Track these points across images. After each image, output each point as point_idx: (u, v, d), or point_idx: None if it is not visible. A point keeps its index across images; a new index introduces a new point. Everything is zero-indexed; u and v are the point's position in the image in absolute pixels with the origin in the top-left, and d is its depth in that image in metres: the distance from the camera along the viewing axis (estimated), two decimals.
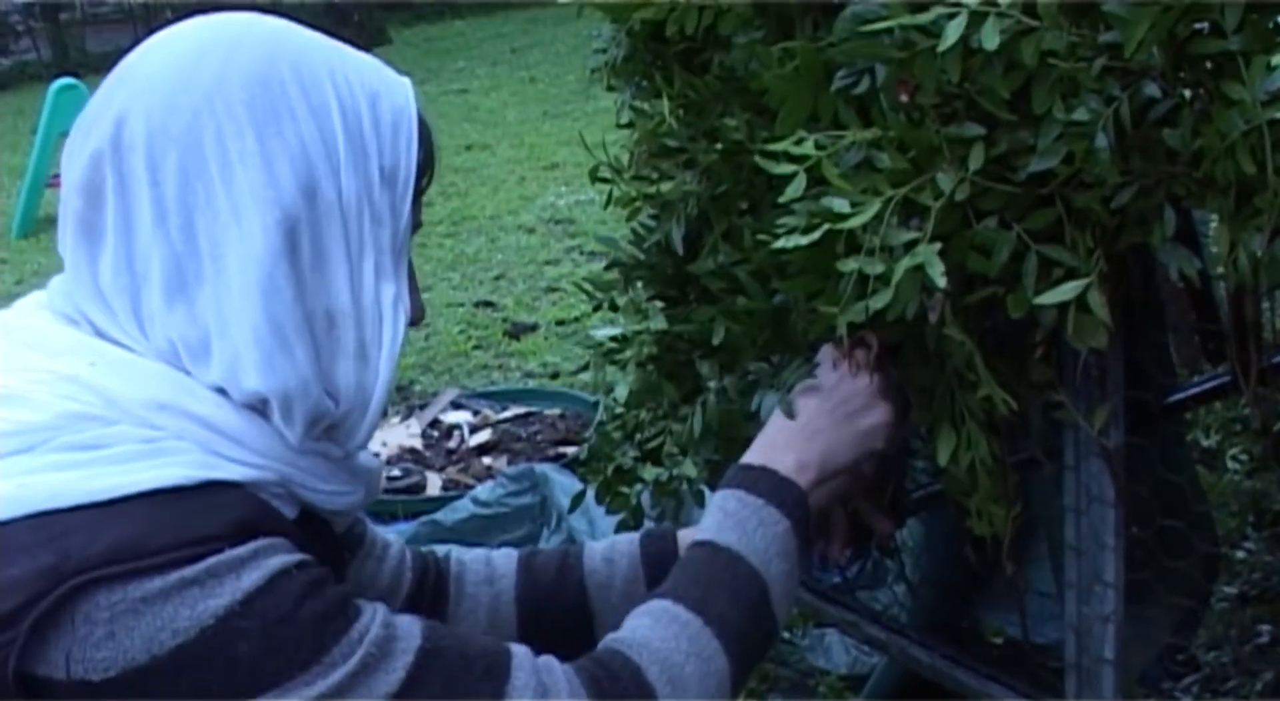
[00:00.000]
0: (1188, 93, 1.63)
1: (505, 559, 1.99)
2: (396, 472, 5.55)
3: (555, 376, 6.65)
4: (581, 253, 8.95)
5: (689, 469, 2.33)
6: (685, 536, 1.96)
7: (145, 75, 1.52)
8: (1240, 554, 4.08)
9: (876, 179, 1.77)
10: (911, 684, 3.36)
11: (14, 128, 17.30)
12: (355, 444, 1.61)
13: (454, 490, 5.37)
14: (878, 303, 1.74)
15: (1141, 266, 1.87)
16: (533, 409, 6.07)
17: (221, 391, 1.49)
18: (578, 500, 2.64)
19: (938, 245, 1.71)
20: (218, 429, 1.47)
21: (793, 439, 1.83)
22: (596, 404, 5.40)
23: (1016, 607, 3.18)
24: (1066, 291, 1.69)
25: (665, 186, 2.22)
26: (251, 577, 1.38)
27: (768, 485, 1.77)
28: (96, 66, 19.99)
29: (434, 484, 5.47)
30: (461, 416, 6.02)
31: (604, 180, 2.39)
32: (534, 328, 7.69)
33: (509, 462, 5.52)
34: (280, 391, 1.49)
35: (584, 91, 14.59)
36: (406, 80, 1.66)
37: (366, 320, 1.57)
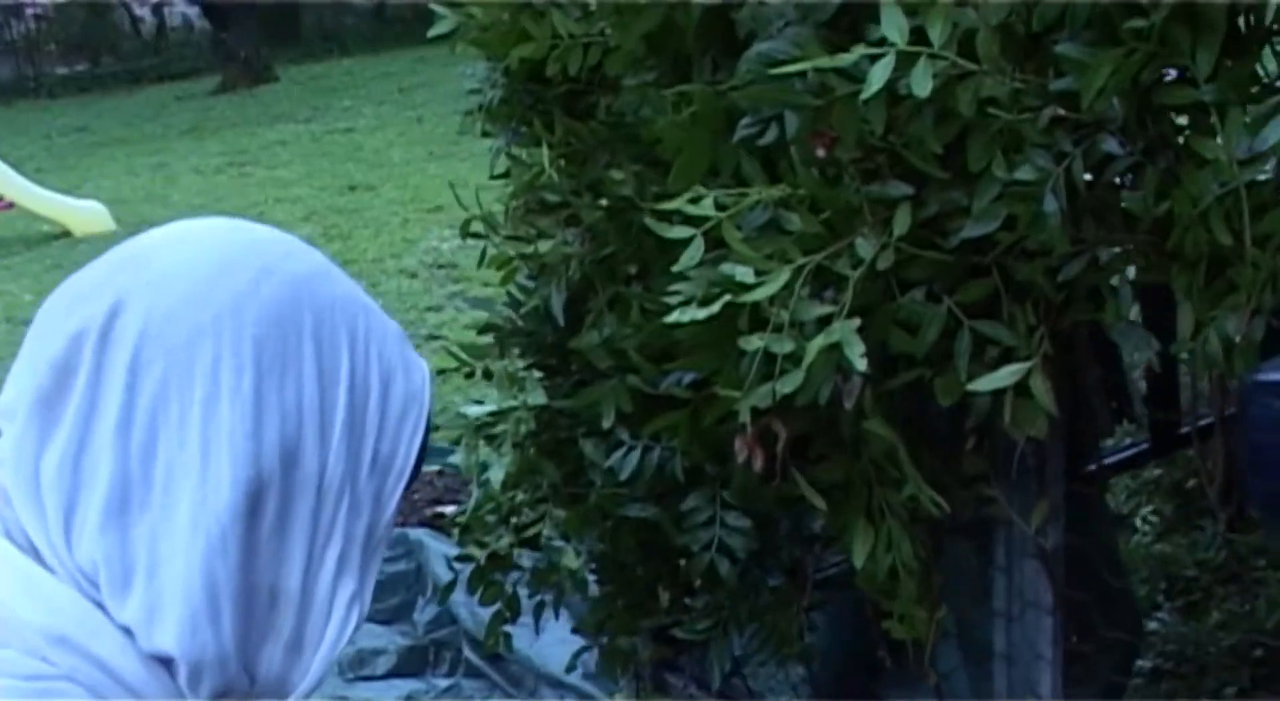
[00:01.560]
0: (1148, 149, 1.40)
1: None
2: None
3: (435, 430, 6.35)
4: (465, 299, 8.69)
5: (570, 560, 2.09)
6: None
7: (159, 269, 1.32)
8: (1153, 624, 3.87)
9: (785, 244, 1.54)
10: None
11: None
12: None
13: None
14: (786, 386, 1.51)
15: (1092, 346, 1.65)
16: None
17: (130, 632, 1.28)
18: (446, 592, 2.39)
19: (856, 321, 1.48)
20: (116, 676, 1.27)
21: None
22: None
23: (921, 691, 2.98)
24: (1005, 376, 1.46)
25: (544, 247, 1.98)
26: None
27: None
28: None
29: None
30: None
31: (476, 235, 2.14)
32: None
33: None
34: (193, 659, 1.29)
35: (470, 133, 14.37)
36: (424, 364, 1.47)
37: (313, 610, 1.36)
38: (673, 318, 1.56)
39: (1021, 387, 1.49)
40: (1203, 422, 3.87)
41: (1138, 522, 4.35)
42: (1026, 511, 1.64)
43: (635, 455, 1.92)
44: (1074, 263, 1.44)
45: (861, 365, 1.46)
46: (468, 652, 4.04)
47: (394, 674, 4.11)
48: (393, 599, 4.45)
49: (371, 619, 4.43)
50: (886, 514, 1.64)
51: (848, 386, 1.53)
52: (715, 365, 1.57)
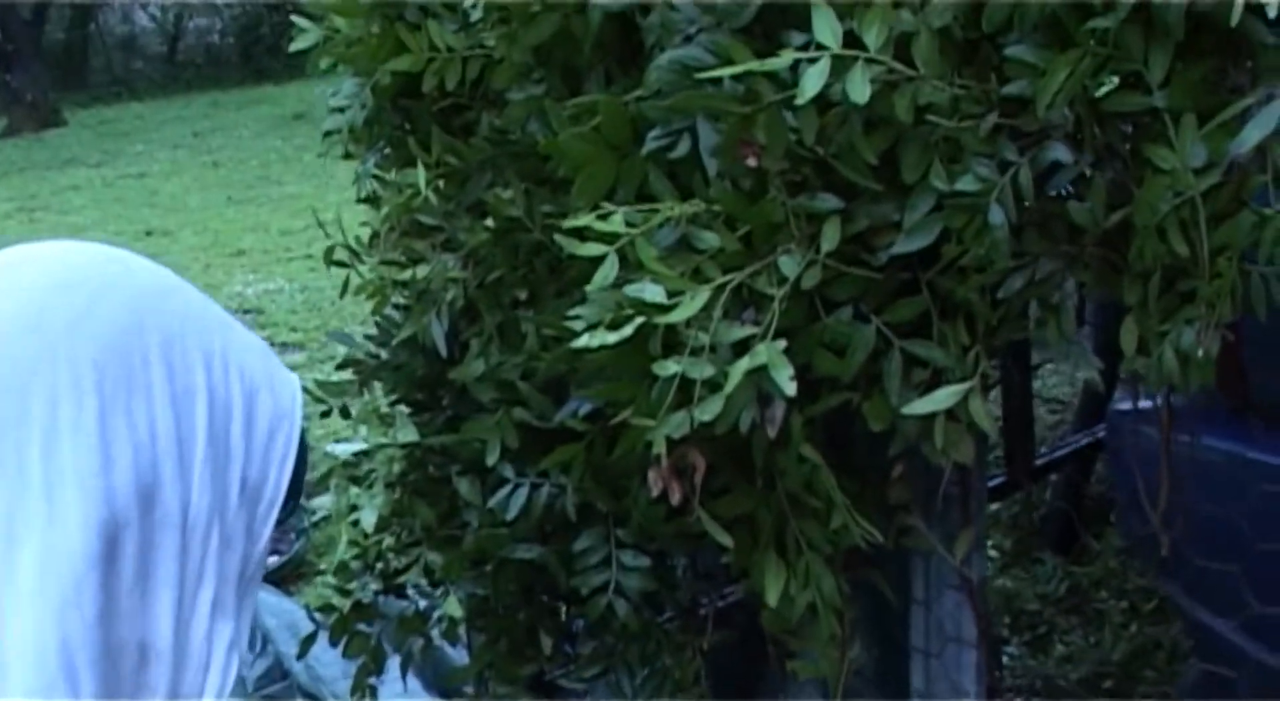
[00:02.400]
0: (1096, 159, 1.33)
1: None
2: None
3: (321, 484, 6.17)
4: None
5: (452, 607, 1.97)
6: None
7: None
8: (1002, 658, 3.84)
9: (701, 262, 1.45)
10: None
11: None
12: None
13: None
14: (705, 413, 1.42)
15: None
16: None
17: None
18: (306, 645, 2.25)
19: (783, 342, 1.39)
20: None
21: None
22: (299, 508, 4.96)
23: None
24: (945, 398, 1.38)
25: (421, 271, 1.86)
26: None
27: None
28: None
29: None
30: None
31: (340, 264, 2.01)
32: None
33: None
34: None
35: (269, 177, 14.12)
36: (295, 379, 1.32)
37: (189, 664, 1.20)
38: (581, 342, 1.46)
39: (950, 413, 1.42)
40: (1056, 454, 3.87)
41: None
42: (949, 541, 1.57)
43: (522, 493, 1.81)
44: (1015, 277, 1.37)
45: (790, 389, 1.37)
46: None
47: None
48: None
49: None
50: (803, 548, 1.55)
51: (770, 412, 1.45)
52: (627, 393, 1.47)
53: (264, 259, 10.75)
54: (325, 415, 2.17)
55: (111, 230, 12.56)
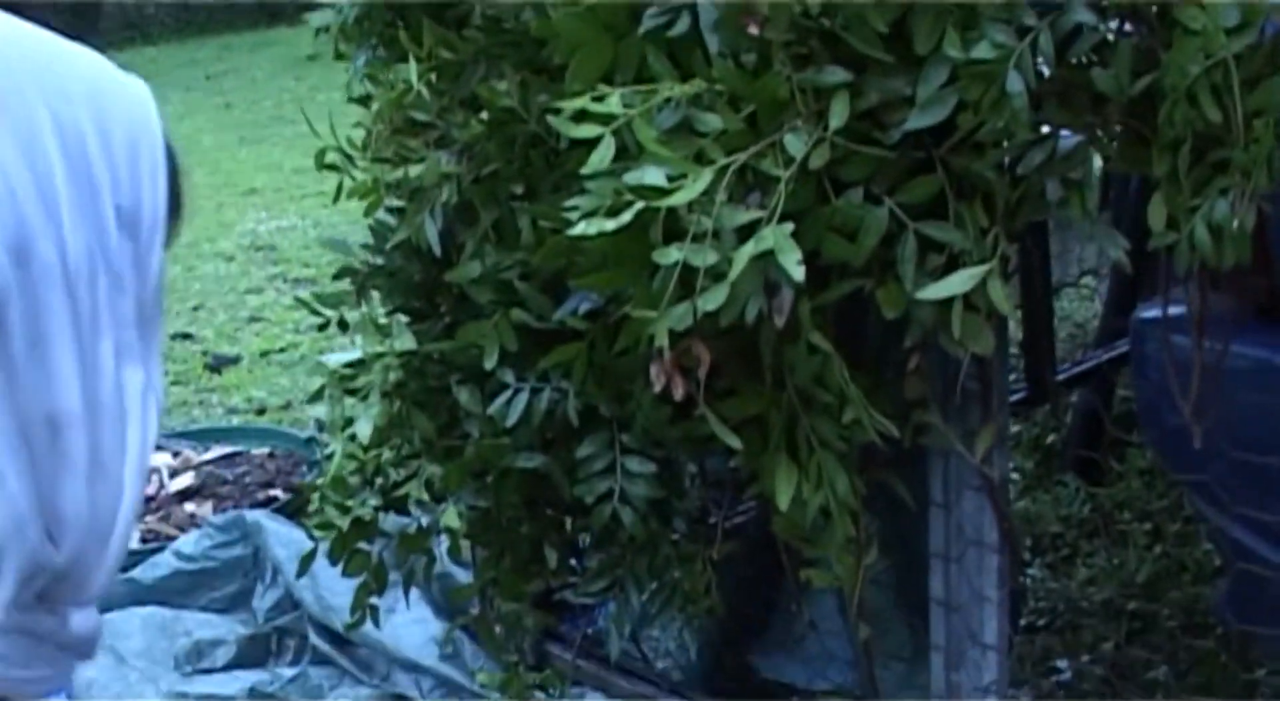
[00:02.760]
0: (1121, 22, 1.25)
1: None
2: None
3: (262, 412, 6.09)
4: (285, 280, 8.43)
5: (451, 519, 1.90)
6: None
7: None
8: (1023, 581, 3.77)
9: (704, 145, 1.37)
10: None
11: None
12: (87, 596, 1.16)
13: (154, 541, 4.80)
14: (709, 303, 1.34)
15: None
16: (239, 448, 5.51)
17: None
18: (306, 562, 2.18)
19: (790, 225, 1.31)
20: None
21: None
22: (309, 440, 4.89)
23: (794, 653, 2.85)
24: (961, 282, 1.31)
25: (415, 170, 1.78)
26: None
27: None
28: None
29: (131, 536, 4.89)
30: (160, 458, 5.44)
31: (332, 167, 1.93)
32: (236, 360, 7.13)
33: (215, 509, 4.97)
34: None
35: (282, 117, 14.04)
36: (142, 84, 1.21)
37: (105, 421, 1.10)
38: (577, 230, 1.38)
39: (969, 299, 1.34)
40: (1078, 369, 3.79)
41: None
42: (968, 438, 1.49)
43: (522, 399, 1.74)
44: (1035, 152, 1.29)
45: (798, 275, 1.29)
46: (314, 639, 3.80)
47: (235, 665, 3.85)
48: (229, 586, 4.19)
49: (207, 608, 4.18)
50: (815, 447, 1.48)
51: (777, 301, 1.37)
52: (625, 283, 1.40)
53: (276, 197, 10.67)
54: (323, 327, 2.09)
55: None
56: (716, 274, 1.34)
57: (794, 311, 1.37)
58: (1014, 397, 3.60)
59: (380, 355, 1.95)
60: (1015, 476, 4.26)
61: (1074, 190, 1.31)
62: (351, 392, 2.02)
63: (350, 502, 2.14)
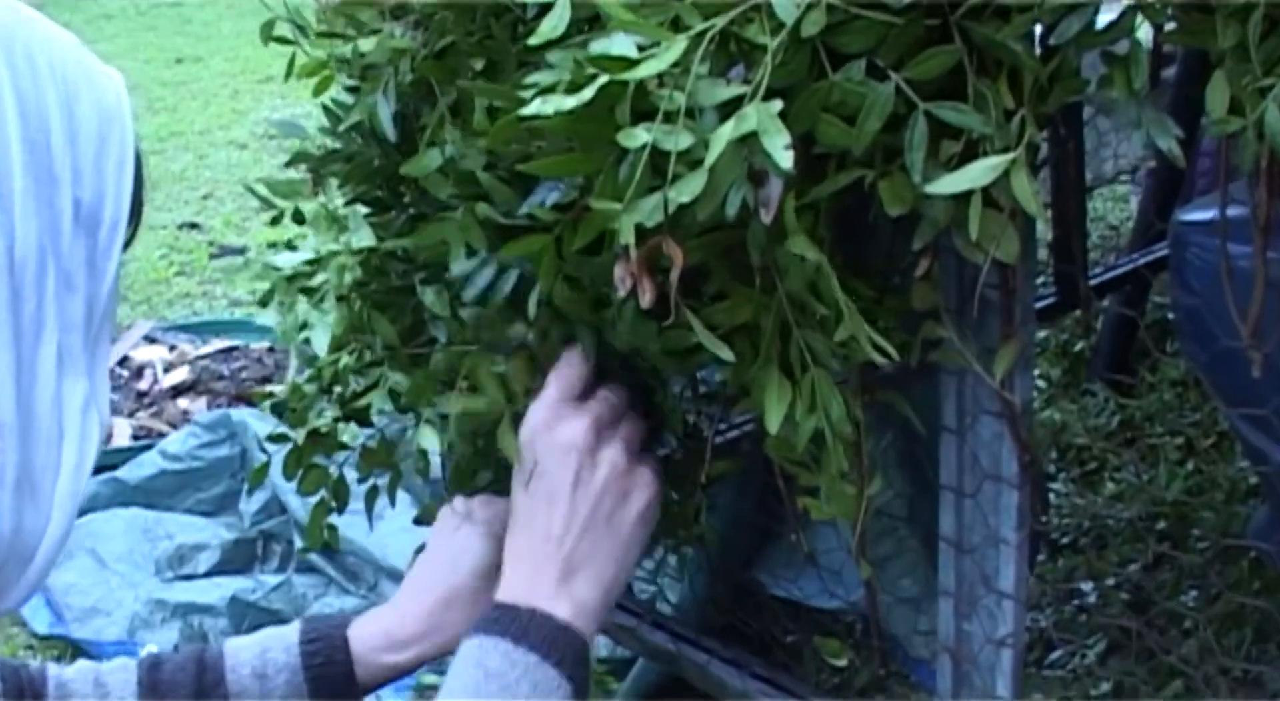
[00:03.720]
0: None
1: (122, 676, 1.53)
2: None
3: (265, 304, 5.93)
4: (270, 121, 8.36)
5: (427, 439, 1.71)
6: (362, 643, 1.57)
7: None
8: (1049, 496, 3.58)
9: (680, 9, 1.16)
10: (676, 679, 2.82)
11: None
12: (2, 609, 1.03)
13: (145, 439, 4.65)
14: (682, 194, 1.14)
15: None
16: (237, 342, 5.35)
17: None
18: (259, 475, 2.00)
19: (777, 103, 1.10)
20: None
21: (560, 570, 1.38)
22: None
23: (805, 568, 2.68)
24: (980, 173, 1.10)
25: (366, 44, 1.57)
26: None
27: (541, 635, 1.31)
28: None
29: (122, 432, 4.73)
30: (155, 352, 5.27)
31: (283, 40, 1.73)
32: (243, 251, 6.98)
33: (209, 405, 4.82)
34: None
35: (305, 4, 13.87)
36: (117, 74, 1.05)
37: (38, 436, 0.97)
38: (530, 110, 1.18)
39: (989, 193, 1.13)
40: (1110, 274, 3.58)
41: None
42: (986, 357, 1.29)
43: (488, 272, 1.54)
44: (1070, 19, 1.08)
45: (785, 162, 1.09)
46: (300, 545, 3.66)
47: (217, 571, 3.72)
48: (215, 488, 4.05)
49: (193, 510, 4.03)
50: (809, 364, 1.28)
51: (763, 193, 1.16)
52: (587, 169, 1.20)
53: (293, 85, 10.51)
54: (276, 221, 1.89)
55: (141, 58, 12.38)
56: (692, 160, 1.14)
57: (782, 206, 1.16)
58: (1042, 303, 3.39)
59: (335, 253, 1.76)
60: (1041, 384, 4.08)
61: (1117, 66, 1.09)
62: (307, 293, 1.83)
63: (308, 414, 1.96)
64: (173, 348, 5.31)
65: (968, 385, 1.34)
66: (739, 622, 2.35)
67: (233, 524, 3.90)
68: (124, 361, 5.23)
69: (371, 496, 1.98)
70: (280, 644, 1.57)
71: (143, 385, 5.06)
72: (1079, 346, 4.15)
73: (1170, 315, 4.21)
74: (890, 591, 2.64)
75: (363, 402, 1.84)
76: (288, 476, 1.98)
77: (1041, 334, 4.19)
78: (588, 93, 1.15)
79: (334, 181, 1.82)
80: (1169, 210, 3.63)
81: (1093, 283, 3.60)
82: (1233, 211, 1.43)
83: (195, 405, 4.85)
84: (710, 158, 1.11)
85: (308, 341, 1.83)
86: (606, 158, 1.19)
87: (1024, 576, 1.35)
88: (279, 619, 3.47)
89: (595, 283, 1.40)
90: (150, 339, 5.40)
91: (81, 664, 1.55)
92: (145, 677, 1.52)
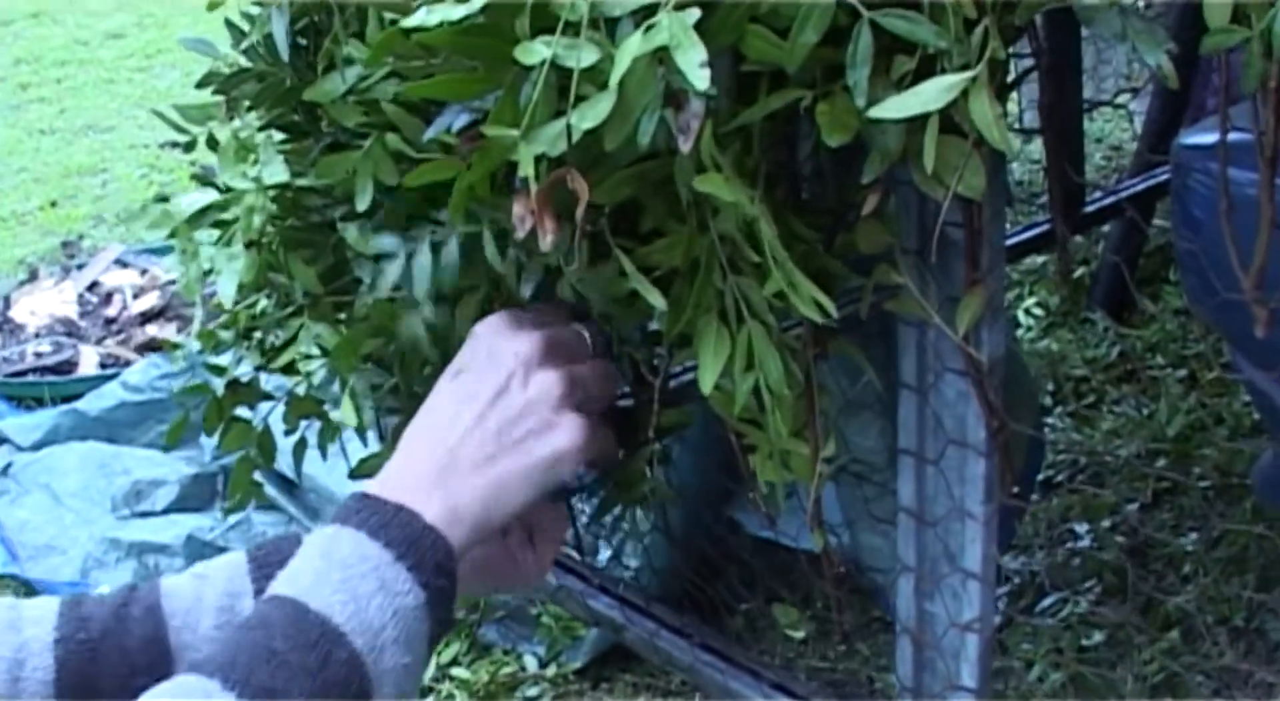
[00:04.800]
0: None
1: (43, 604, 1.35)
2: (46, 347, 4.64)
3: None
4: (181, 40, 8.15)
5: (347, 414, 1.56)
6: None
7: None
8: (1045, 431, 3.41)
9: None
10: None
11: None
12: None
13: (113, 367, 4.48)
14: (586, 120, 0.97)
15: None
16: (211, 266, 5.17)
17: None
18: (175, 432, 1.85)
19: (694, 12, 0.93)
20: None
21: (444, 467, 1.21)
22: None
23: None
24: (933, 96, 0.92)
25: None
26: None
27: (401, 532, 1.14)
28: None
29: (90, 360, 4.56)
30: (126, 277, 5.09)
31: None
32: None
33: (179, 332, 4.65)
34: None
35: None
36: None
37: None
38: (413, 20, 1.01)
39: (951, 119, 0.96)
40: (1109, 200, 3.40)
41: (1020, 316, 3.90)
42: (949, 306, 1.12)
43: (395, 266, 1.38)
44: None
45: (701, 82, 0.91)
46: (260, 480, 3.50)
47: (176, 508, 3.55)
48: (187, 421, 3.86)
49: (154, 444, 3.87)
50: (745, 314, 1.11)
51: (682, 118, 0.99)
52: (477, 91, 1.03)
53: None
54: (190, 147, 1.72)
55: None
56: (600, 81, 0.96)
57: (701, 134, 0.99)
58: (1038, 229, 3.22)
59: (245, 191, 1.58)
60: (1039, 312, 3.91)
61: None
62: (218, 228, 1.65)
63: (223, 361, 1.80)
64: (144, 272, 5.13)
65: (929, 339, 1.18)
66: (695, 591, 2.19)
67: (193, 457, 3.74)
68: (93, 286, 5.06)
69: (299, 450, 1.83)
70: (222, 558, 1.41)
71: (111, 311, 4.89)
72: (1078, 273, 3.97)
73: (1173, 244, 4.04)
74: (871, 536, 2.48)
75: (284, 359, 1.68)
76: (208, 431, 1.83)
77: (1040, 260, 4.02)
78: (476, 2, 0.98)
79: (246, 105, 1.65)
80: (1173, 132, 3.45)
81: (1093, 208, 3.42)
82: (1237, 137, 1.25)
83: (164, 332, 4.68)
84: (615, 76, 0.94)
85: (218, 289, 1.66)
86: (504, 77, 1.02)
87: (992, 555, 1.19)
88: None
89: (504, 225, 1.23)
90: (122, 262, 5.22)
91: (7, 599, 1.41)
92: (68, 601, 1.38)
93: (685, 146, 0.99)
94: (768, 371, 1.10)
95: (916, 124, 0.98)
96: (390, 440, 1.78)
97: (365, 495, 1.17)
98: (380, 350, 1.59)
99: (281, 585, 1.11)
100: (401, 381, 1.60)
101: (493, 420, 1.21)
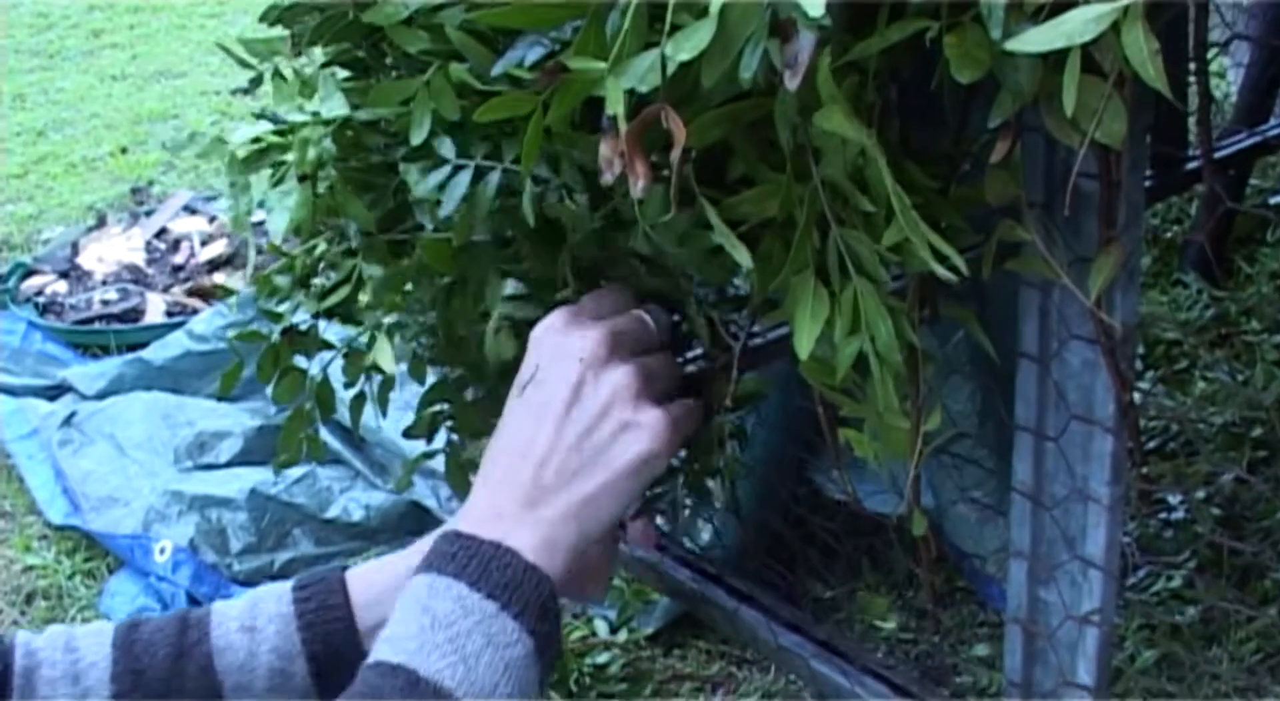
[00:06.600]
0: None
1: (95, 640, 1.36)
2: (112, 295, 4.57)
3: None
4: None
5: (384, 357, 1.47)
6: (364, 588, 1.35)
7: None
8: (1135, 396, 3.28)
9: None
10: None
11: None
12: None
13: (179, 315, 4.42)
14: (683, 50, 0.86)
15: None
16: None
17: None
18: (229, 381, 1.76)
19: None
20: None
21: (530, 492, 1.15)
22: None
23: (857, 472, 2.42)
24: (1079, 28, 0.81)
25: None
26: None
27: (502, 576, 1.10)
28: None
29: (156, 308, 4.49)
30: (194, 224, 5.02)
31: None
32: None
33: (247, 281, 4.57)
34: None
35: None
36: None
37: None
38: None
39: (1090, 54, 0.85)
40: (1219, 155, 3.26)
41: None
42: (1080, 267, 1.01)
43: (464, 178, 1.27)
44: None
45: (816, 9, 0.80)
46: (325, 435, 3.42)
47: (239, 461, 3.47)
48: (244, 370, 3.79)
49: (214, 396, 3.79)
50: (851, 271, 1.00)
51: (790, 51, 0.88)
52: (557, 19, 0.92)
53: None
54: (255, 85, 1.62)
55: None
56: (698, 9, 0.86)
57: (813, 68, 0.88)
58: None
59: (302, 124, 1.48)
60: None
61: None
62: (274, 167, 1.56)
63: (281, 308, 1.70)
64: (213, 219, 5.05)
65: (1054, 302, 1.06)
66: (766, 570, 2.09)
67: (258, 409, 3.66)
68: (161, 233, 4.99)
69: (357, 405, 1.73)
70: (272, 594, 1.36)
71: (179, 258, 4.82)
72: (1171, 233, 3.83)
73: (1273, 201, 3.89)
74: (957, 503, 2.38)
75: (335, 298, 1.59)
76: (263, 379, 1.74)
77: None
78: None
79: (311, 40, 1.55)
80: (1273, 89, 3.30)
81: (1189, 166, 3.28)
82: None
83: (232, 280, 4.60)
84: (715, 2, 0.83)
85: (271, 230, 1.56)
86: (588, 4, 0.91)
87: (1116, 541, 1.08)
88: (301, 514, 3.24)
89: (588, 167, 1.12)
90: (190, 209, 5.14)
91: (53, 629, 1.38)
92: (121, 639, 1.34)
93: (793, 83, 0.88)
94: (878, 335, 0.99)
95: (1051, 61, 0.87)
96: (424, 401, 1.68)
97: (458, 533, 1.12)
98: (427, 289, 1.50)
99: (385, 650, 1.07)
100: (446, 327, 1.52)
101: (570, 433, 1.14)
